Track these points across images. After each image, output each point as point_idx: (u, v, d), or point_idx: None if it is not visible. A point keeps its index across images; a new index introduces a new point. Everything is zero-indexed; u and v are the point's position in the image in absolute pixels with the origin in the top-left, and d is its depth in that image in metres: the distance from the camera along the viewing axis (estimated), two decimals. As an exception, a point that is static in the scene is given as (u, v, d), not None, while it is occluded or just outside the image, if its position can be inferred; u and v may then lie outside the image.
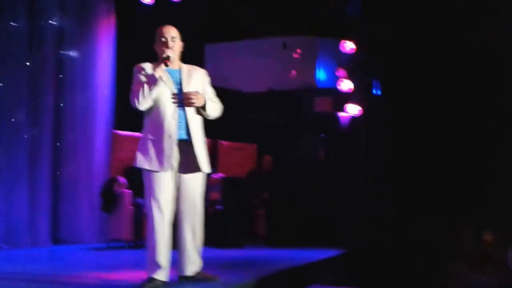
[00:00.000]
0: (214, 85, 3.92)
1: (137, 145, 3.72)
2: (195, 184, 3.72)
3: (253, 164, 8.13)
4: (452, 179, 6.57)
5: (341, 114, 7.63)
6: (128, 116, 7.29)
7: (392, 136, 7.12)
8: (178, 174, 3.67)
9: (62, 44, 6.90)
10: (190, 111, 3.66)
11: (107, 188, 6.56)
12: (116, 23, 7.38)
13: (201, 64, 3.70)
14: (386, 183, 7.02)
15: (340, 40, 7.61)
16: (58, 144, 6.82)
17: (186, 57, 3.91)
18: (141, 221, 6.34)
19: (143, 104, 3.57)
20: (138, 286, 3.57)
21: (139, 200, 6.41)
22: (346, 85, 7.49)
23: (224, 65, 8.93)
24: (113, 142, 7.10)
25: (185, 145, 3.65)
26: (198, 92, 3.67)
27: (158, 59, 3.69)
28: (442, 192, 6.53)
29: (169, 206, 3.61)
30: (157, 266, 3.58)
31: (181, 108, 3.63)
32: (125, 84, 7.21)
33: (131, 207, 6.42)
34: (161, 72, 3.58)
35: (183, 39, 3.80)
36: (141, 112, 3.72)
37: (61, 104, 6.88)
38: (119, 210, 6.44)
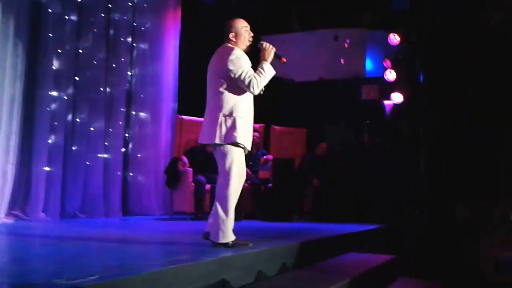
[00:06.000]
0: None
1: (230, 122, 3.84)
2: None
3: (302, 147, 8.69)
4: (485, 167, 6.95)
5: (386, 101, 8.14)
6: (190, 102, 8.17)
7: (431, 121, 7.55)
8: None
9: (135, 37, 7.73)
10: None
11: (171, 167, 7.30)
12: (181, 18, 8.18)
13: (256, 55, 4.16)
14: (425, 166, 7.48)
15: (387, 33, 8.09)
16: (129, 127, 7.68)
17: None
18: (201, 196, 7.11)
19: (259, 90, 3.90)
20: (229, 246, 3.80)
21: (199, 177, 7.15)
22: (391, 74, 7.97)
23: (274, 59, 9.49)
24: (177, 126, 7.92)
25: None
26: None
27: (239, 45, 3.98)
28: (476, 179, 6.92)
29: None
30: (231, 230, 3.85)
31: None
32: (188, 74, 8.10)
33: (192, 183, 7.15)
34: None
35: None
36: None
37: (133, 93, 7.72)
38: (182, 186, 7.19)
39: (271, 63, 3.96)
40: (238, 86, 3.88)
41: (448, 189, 6.99)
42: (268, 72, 3.91)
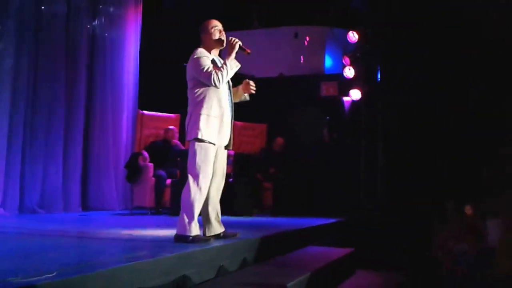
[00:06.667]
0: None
1: (195, 120, 3.97)
2: (224, 159, 4.19)
3: (262, 142, 8.76)
4: (440, 162, 7.19)
5: (345, 98, 8.28)
6: (151, 97, 8.12)
7: (388, 118, 7.75)
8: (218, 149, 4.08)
9: (95, 32, 7.61)
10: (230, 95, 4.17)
11: (132, 161, 7.27)
12: (142, 12, 8.11)
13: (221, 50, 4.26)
14: (381, 162, 7.68)
15: (346, 31, 8.23)
16: (89, 121, 7.57)
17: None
18: (162, 191, 7.10)
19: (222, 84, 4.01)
20: (189, 240, 3.87)
21: (160, 172, 7.14)
22: (350, 71, 8.12)
23: (238, 51, 9.53)
24: (138, 120, 7.87)
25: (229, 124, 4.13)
26: None
27: (210, 44, 4.13)
28: (431, 173, 7.16)
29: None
30: (196, 225, 3.94)
31: (229, 91, 4.17)
32: (149, 69, 8.03)
33: (153, 178, 7.14)
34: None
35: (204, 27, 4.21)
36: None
37: (93, 86, 7.60)
38: (142, 181, 7.17)
39: (236, 56, 4.08)
40: (203, 85, 4.02)
41: (404, 183, 7.20)
42: (230, 66, 4.04)
